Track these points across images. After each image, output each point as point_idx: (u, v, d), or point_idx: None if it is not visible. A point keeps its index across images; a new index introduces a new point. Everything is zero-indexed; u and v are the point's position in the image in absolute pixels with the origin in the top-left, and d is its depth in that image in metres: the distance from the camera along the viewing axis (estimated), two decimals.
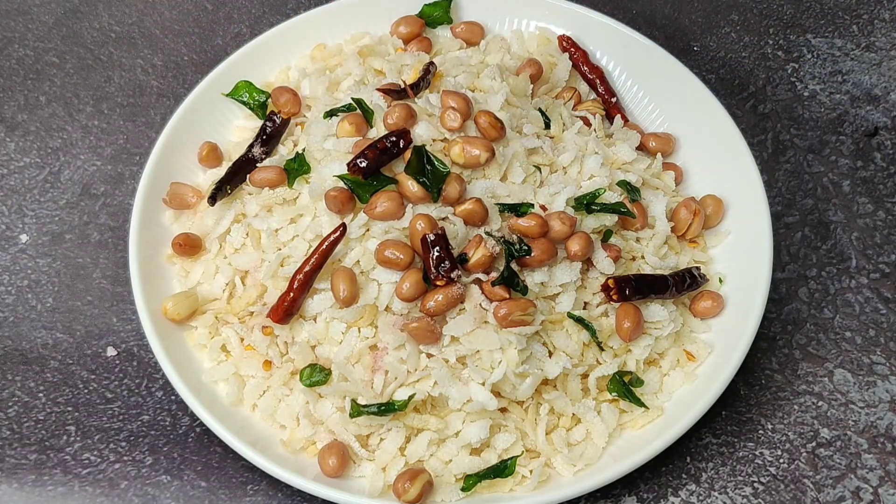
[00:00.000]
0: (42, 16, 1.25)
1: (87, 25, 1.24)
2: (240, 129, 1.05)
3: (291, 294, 0.85)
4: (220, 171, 0.98)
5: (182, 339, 0.91)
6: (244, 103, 1.04)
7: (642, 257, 0.92)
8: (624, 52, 1.07)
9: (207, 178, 1.00)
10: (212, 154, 1.00)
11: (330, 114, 0.95)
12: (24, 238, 1.04)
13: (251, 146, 0.98)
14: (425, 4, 1.09)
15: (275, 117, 1.00)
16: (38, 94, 1.17)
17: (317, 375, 0.85)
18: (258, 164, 0.96)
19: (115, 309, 0.99)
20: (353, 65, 1.03)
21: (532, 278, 0.85)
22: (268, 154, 0.99)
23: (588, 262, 0.88)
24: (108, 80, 1.18)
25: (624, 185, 0.93)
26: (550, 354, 0.85)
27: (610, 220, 0.90)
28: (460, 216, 0.85)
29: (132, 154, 1.11)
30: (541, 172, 0.91)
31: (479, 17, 1.10)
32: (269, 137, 0.99)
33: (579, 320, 0.85)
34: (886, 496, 0.87)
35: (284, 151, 0.99)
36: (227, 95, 1.04)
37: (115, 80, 1.18)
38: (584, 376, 0.86)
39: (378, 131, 0.91)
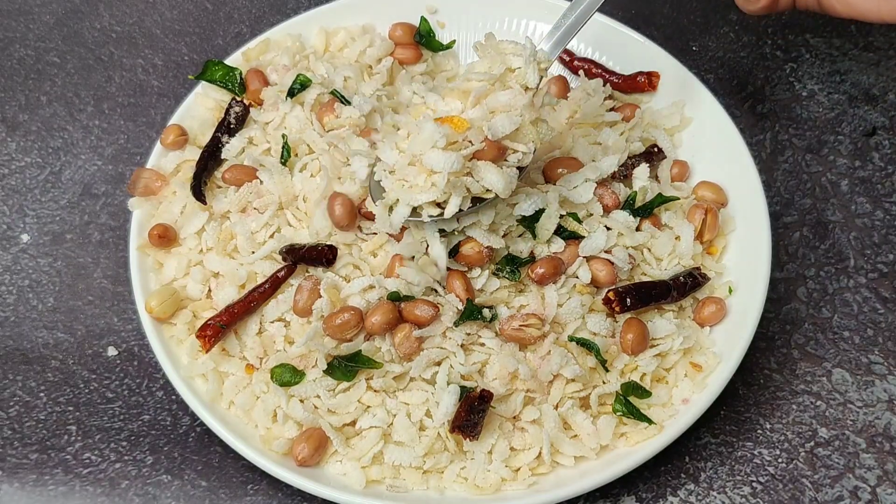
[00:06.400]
0: (43, 16, 1.25)
1: (88, 25, 1.24)
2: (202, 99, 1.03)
3: (221, 321, 0.86)
4: (185, 154, 0.97)
5: None
6: (222, 85, 1.02)
7: (645, 261, 0.91)
8: (623, 51, 1.07)
9: (170, 161, 0.97)
10: (180, 139, 0.98)
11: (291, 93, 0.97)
12: (25, 238, 1.05)
13: (218, 134, 0.97)
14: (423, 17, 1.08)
15: (236, 105, 0.99)
16: (39, 93, 1.17)
17: (288, 375, 0.84)
18: (226, 158, 0.96)
19: (115, 309, 0.99)
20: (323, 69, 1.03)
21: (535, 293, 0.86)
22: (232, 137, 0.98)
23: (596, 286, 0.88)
24: (109, 79, 1.19)
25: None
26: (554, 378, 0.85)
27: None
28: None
29: (133, 154, 1.11)
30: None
31: (479, 17, 1.10)
32: (234, 126, 0.98)
33: (582, 342, 0.85)
34: (884, 496, 0.87)
35: (255, 134, 0.98)
36: (196, 78, 1.02)
37: (115, 79, 1.18)
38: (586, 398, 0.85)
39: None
